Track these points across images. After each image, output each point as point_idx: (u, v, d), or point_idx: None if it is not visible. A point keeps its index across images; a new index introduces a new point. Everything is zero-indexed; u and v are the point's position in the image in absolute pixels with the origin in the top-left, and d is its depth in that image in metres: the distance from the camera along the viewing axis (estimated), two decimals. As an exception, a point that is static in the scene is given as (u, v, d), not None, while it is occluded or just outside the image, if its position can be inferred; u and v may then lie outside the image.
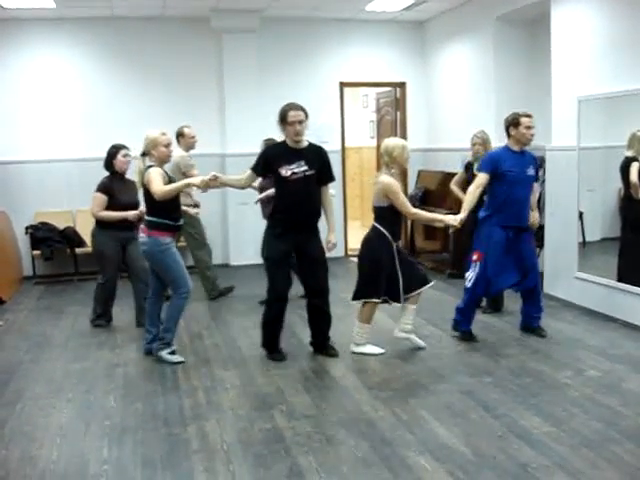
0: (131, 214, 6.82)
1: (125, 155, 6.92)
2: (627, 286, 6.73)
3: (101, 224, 6.98)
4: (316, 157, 5.85)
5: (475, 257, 6.21)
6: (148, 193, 5.73)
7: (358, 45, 10.88)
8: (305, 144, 5.81)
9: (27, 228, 9.48)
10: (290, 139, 5.77)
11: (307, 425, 4.58)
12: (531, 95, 8.97)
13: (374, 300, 5.98)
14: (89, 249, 9.44)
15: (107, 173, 7.07)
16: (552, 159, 7.84)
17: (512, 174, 6.09)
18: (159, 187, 5.62)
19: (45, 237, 9.35)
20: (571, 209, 7.46)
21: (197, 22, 9.97)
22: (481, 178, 6.16)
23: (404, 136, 11.17)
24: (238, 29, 9.90)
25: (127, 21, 9.85)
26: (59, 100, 9.83)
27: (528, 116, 6.23)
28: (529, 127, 6.18)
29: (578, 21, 7.27)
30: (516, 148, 6.23)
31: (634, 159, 6.63)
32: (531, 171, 6.26)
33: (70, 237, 9.46)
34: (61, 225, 9.54)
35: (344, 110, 11.10)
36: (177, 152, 7.48)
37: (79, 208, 9.79)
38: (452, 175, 7.98)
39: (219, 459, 4.13)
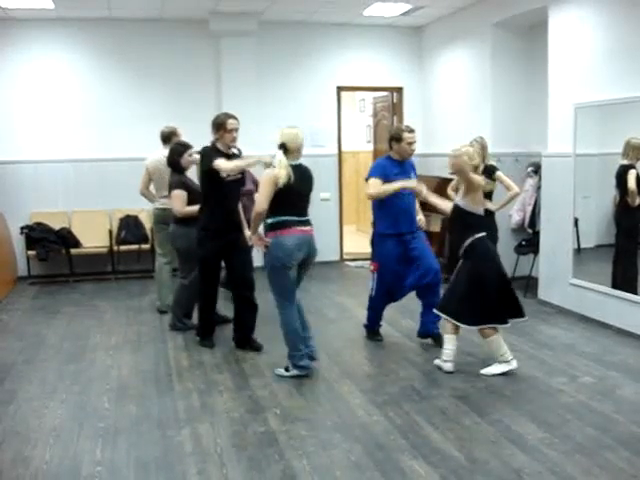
0: None
1: (191, 154, 6.85)
2: (622, 293, 6.74)
3: (183, 221, 6.75)
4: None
5: (372, 268, 6.45)
6: None
7: (356, 50, 10.89)
8: (235, 151, 6.21)
9: (22, 228, 9.46)
10: (225, 145, 6.09)
11: (301, 429, 4.58)
12: (527, 101, 9.00)
13: None
14: (84, 250, 9.53)
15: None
16: (548, 166, 7.85)
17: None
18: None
19: (40, 237, 9.34)
20: (566, 215, 7.48)
21: (195, 24, 9.97)
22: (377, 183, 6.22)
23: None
24: (236, 32, 9.90)
25: (125, 23, 9.84)
26: (56, 100, 9.82)
27: (411, 131, 6.30)
28: (410, 143, 6.26)
29: (575, 28, 7.29)
30: (398, 158, 6.36)
31: (630, 167, 6.65)
32: (413, 177, 6.38)
33: (65, 238, 9.46)
34: (56, 226, 9.53)
35: (341, 114, 11.10)
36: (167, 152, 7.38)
37: (75, 209, 9.81)
38: (449, 180, 7.99)
39: (213, 462, 4.12)
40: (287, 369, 5.66)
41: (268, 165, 5.51)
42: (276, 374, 5.68)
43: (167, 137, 7.66)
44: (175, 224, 6.90)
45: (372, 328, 6.72)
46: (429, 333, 6.43)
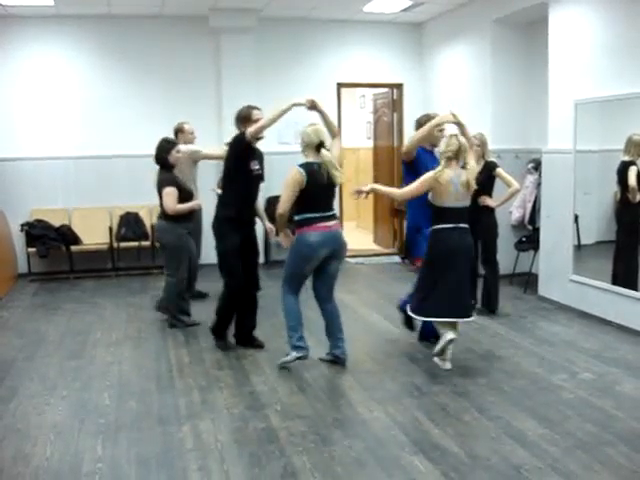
0: (198, 203, 7.15)
1: (178, 151, 6.92)
2: (622, 289, 6.75)
3: (172, 218, 6.83)
4: (262, 159, 6.21)
5: (417, 264, 6.11)
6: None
7: (356, 46, 10.88)
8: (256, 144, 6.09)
9: (23, 225, 9.45)
10: (254, 138, 5.93)
11: (301, 425, 4.59)
12: (528, 98, 9.00)
13: None
14: (85, 247, 9.51)
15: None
16: (548, 162, 7.85)
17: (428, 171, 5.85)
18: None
19: (41, 235, 9.33)
20: (567, 212, 7.48)
21: (195, 21, 9.95)
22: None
23: (400, 137, 11.20)
24: (236, 29, 9.89)
25: (125, 19, 9.83)
26: (56, 98, 9.81)
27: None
28: (441, 130, 6.07)
29: (575, 24, 7.28)
30: (428, 147, 6.16)
31: (631, 163, 6.65)
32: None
33: (65, 235, 9.46)
34: (57, 223, 9.53)
35: (341, 111, 11.09)
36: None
37: (75, 206, 9.81)
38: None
39: (213, 458, 4.13)
40: (287, 354, 5.75)
41: (310, 104, 5.98)
42: (280, 364, 5.73)
43: (175, 134, 7.86)
44: (161, 219, 6.98)
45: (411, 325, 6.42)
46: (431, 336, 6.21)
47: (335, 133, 6.00)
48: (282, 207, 5.49)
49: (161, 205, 6.87)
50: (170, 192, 6.76)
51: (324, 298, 5.78)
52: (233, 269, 6.11)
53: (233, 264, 6.10)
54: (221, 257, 6.15)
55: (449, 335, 5.50)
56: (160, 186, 6.84)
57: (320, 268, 5.65)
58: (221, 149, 7.25)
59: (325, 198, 5.63)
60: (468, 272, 5.66)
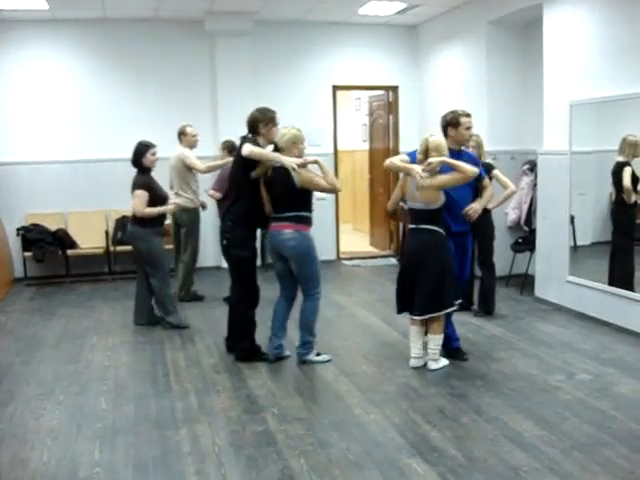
0: (170, 208, 7.10)
1: (154, 153, 6.95)
2: (618, 290, 6.75)
3: (143, 222, 6.87)
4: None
5: None
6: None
7: (351, 48, 10.89)
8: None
9: (19, 230, 9.44)
10: (267, 141, 5.91)
11: (299, 428, 4.58)
12: (523, 99, 9.02)
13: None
14: (81, 251, 9.50)
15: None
16: (544, 163, 7.86)
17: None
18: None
19: (37, 239, 9.32)
20: (562, 213, 7.49)
21: (191, 24, 9.95)
22: None
23: (396, 140, 11.21)
24: (232, 32, 9.89)
25: (120, 23, 9.83)
26: (51, 101, 9.81)
27: (468, 115, 6.00)
28: (468, 128, 5.97)
29: (570, 26, 7.29)
30: (455, 148, 5.87)
31: (626, 164, 6.67)
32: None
33: (62, 239, 9.45)
34: (53, 227, 9.52)
35: (337, 113, 11.10)
36: (179, 149, 8.03)
37: (71, 210, 9.80)
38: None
39: (211, 462, 4.12)
40: (319, 354, 6.02)
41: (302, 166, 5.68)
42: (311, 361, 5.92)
43: (178, 136, 8.08)
44: (133, 225, 7.01)
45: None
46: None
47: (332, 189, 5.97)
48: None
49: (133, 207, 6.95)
50: (139, 195, 6.82)
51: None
52: (254, 277, 6.03)
53: (254, 272, 6.04)
54: (245, 264, 5.97)
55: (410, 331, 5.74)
56: (132, 189, 6.90)
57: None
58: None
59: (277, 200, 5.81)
60: (425, 272, 5.54)
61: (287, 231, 5.67)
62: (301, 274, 5.80)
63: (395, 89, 11.25)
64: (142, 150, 6.93)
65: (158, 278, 7.02)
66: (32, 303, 8.51)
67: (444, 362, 5.74)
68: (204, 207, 8.33)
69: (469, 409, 4.84)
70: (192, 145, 8.13)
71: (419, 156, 5.54)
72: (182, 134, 8.10)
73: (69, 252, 9.48)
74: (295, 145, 5.77)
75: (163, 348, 6.50)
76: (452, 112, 5.99)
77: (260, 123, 5.87)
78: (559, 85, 7.51)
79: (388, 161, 5.80)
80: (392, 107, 11.37)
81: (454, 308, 5.66)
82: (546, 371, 5.60)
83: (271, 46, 10.45)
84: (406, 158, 5.74)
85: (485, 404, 4.93)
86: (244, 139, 5.86)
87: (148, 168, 6.95)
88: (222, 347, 6.36)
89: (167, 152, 7.88)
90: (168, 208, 7.06)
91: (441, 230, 5.55)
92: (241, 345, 6.04)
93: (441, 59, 10.39)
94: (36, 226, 9.47)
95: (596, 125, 7.34)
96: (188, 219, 8.05)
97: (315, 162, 5.77)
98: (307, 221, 5.74)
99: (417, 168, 5.45)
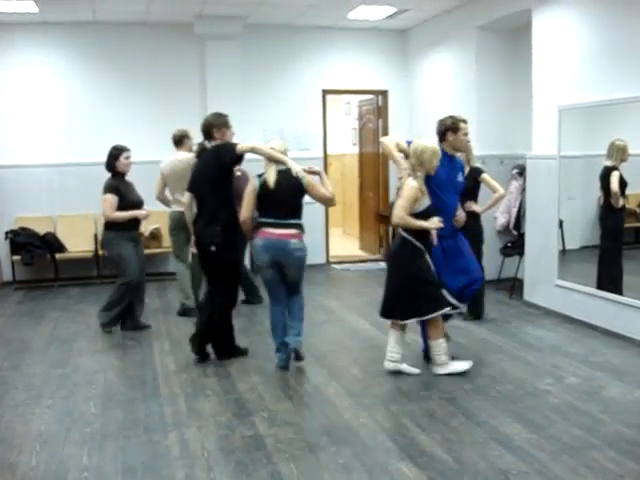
0: (142, 213, 6.95)
1: (127, 157, 6.90)
2: (607, 294, 6.78)
3: (113, 226, 6.85)
4: None
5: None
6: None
7: (341, 53, 10.91)
8: None
9: (7, 233, 9.41)
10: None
11: (288, 432, 4.58)
12: (512, 104, 9.04)
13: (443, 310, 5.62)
14: (69, 254, 9.47)
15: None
16: (533, 167, 7.89)
17: (444, 179, 5.71)
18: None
19: (25, 242, 9.29)
20: (551, 217, 7.51)
21: (181, 28, 9.94)
22: None
23: (386, 144, 11.21)
24: (221, 35, 9.89)
25: (110, 26, 9.81)
26: (40, 104, 9.78)
27: (465, 122, 5.96)
28: (466, 134, 5.96)
29: (559, 31, 7.33)
30: (450, 153, 5.87)
31: (614, 168, 6.70)
32: (460, 177, 5.93)
33: (50, 242, 9.41)
34: (41, 230, 9.49)
35: (326, 117, 11.11)
36: (182, 154, 7.61)
37: (59, 213, 9.76)
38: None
39: (200, 466, 4.11)
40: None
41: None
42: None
43: (179, 140, 7.74)
44: (106, 230, 6.96)
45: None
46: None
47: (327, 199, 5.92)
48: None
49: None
50: (107, 199, 6.78)
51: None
52: (238, 281, 6.05)
53: (238, 276, 6.07)
54: (234, 268, 6.00)
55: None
56: (103, 193, 6.86)
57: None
58: None
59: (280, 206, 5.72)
60: (393, 276, 5.64)
61: (294, 241, 5.64)
62: (299, 278, 5.84)
63: (385, 93, 11.28)
64: (115, 154, 6.87)
65: (120, 285, 6.94)
66: (20, 307, 8.47)
67: (453, 367, 5.64)
68: None
69: (458, 413, 4.85)
70: (191, 149, 8.02)
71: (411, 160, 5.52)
72: (186, 137, 7.77)
73: (58, 256, 9.44)
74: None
75: (152, 352, 6.48)
76: (451, 117, 5.95)
77: (214, 128, 5.90)
78: (548, 90, 7.54)
79: (385, 139, 5.77)
80: (382, 111, 11.38)
81: (425, 317, 5.53)
82: (535, 375, 5.61)
83: (261, 50, 10.46)
84: (404, 145, 5.68)
85: (474, 407, 4.94)
86: (202, 146, 5.96)
87: (121, 172, 6.90)
88: (211, 351, 6.32)
89: (157, 156, 7.87)
90: (141, 213, 6.94)
91: (411, 238, 5.47)
92: (224, 344, 6.09)
93: (431, 63, 10.42)
94: (24, 230, 9.44)
95: (585, 130, 7.37)
96: None
97: (318, 173, 5.83)
98: (303, 229, 5.77)
99: (404, 163, 5.50)
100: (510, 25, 8.80)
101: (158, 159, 7.81)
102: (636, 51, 6.26)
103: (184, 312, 7.69)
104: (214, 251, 5.83)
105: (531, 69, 7.81)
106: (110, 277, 9.54)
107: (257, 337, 6.76)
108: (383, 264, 10.91)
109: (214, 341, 6.11)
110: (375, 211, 11.49)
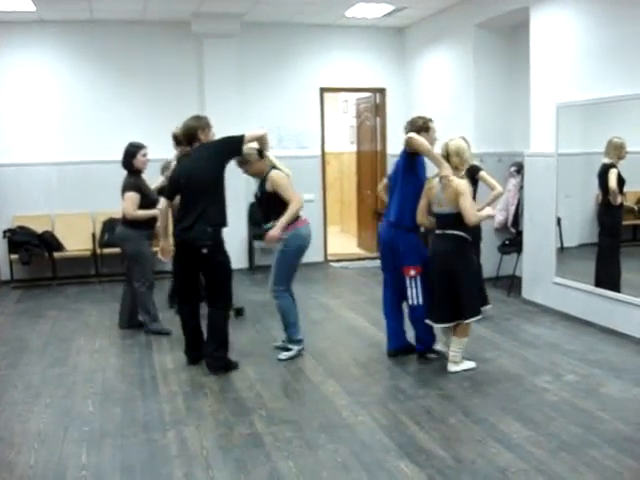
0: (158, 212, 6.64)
1: (145, 155, 6.83)
2: (605, 291, 6.78)
3: (133, 224, 6.76)
4: None
5: (414, 272, 5.75)
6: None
7: (338, 51, 10.90)
8: None
9: (5, 232, 9.40)
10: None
11: (287, 430, 4.58)
12: (510, 101, 9.04)
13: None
14: (67, 253, 9.46)
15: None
16: (531, 165, 7.89)
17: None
18: None
19: (23, 241, 9.27)
20: (549, 215, 7.51)
21: (178, 26, 9.93)
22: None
23: (384, 142, 11.23)
24: (219, 34, 9.88)
25: (107, 25, 9.79)
26: (38, 103, 9.76)
27: (432, 121, 5.99)
28: (435, 132, 5.99)
29: (557, 28, 7.33)
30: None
31: (612, 166, 6.70)
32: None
33: (48, 241, 9.40)
34: (39, 229, 9.47)
35: (324, 115, 11.10)
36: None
37: (57, 212, 9.75)
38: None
39: (199, 465, 4.11)
40: (288, 350, 6.13)
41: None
42: (284, 358, 6.01)
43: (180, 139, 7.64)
44: (123, 226, 6.89)
45: (430, 345, 6.06)
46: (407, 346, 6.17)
47: None
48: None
49: (123, 209, 6.84)
50: (130, 197, 6.71)
51: None
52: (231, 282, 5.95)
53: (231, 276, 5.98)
54: (229, 269, 5.83)
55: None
56: (123, 191, 6.79)
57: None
58: None
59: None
60: (460, 277, 5.55)
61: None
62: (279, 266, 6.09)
63: (382, 91, 11.27)
64: (133, 151, 6.79)
65: (142, 282, 6.89)
66: (18, 306, 8.47)
67: (465, 366, 5.69)
68: None
69: (457, 410, 4.85)
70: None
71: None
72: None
73: (56, 254, 9.43)
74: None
75: (151, 351, 6.48)
76: (421, 118, 5.97)
77: (198, 130, 5.80)
78: (546, 87, 7.54)
79: (416, 135, 5.60)
80: (379, 109, 11.38)
81: (478, 317, 5.64)
82: (533, 372, 5.61)
83: (258, 48, 10.45)
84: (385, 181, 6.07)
85: (473, 405, 4.94)
86: (183, 152, 6.06)
87: (139, 170, 6.83)
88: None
89: (155, 154, 7.81)
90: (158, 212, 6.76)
91: (466, 235, 5.55)
92: (220, 354, 5.82)
93: (428, 61, 10.42)
94: (22, 228, 9.43)
95: (583, 127, 7.37)
96: None
97: None
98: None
99: (448, 168, 5.50)
100: (508, 23, 8.79)
101: (156, 157, 7.73)
102: (634, 48, 6.26)
103: None
104: (205, 253, 5.58)
105: (529, 67, 7.80)
106: (108, 275, 9.62)
107: (257, 335, 6.76)
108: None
109: (210, 352, 5.83)
110: (373, 209, 11.48)
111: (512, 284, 8.35)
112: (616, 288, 6.69)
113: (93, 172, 9.84)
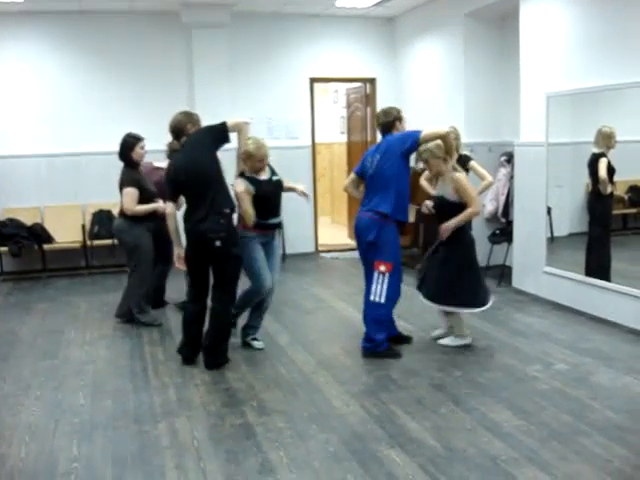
0: (162, 206, 6.42)
1: (142, 147, 6.72)
2: (595, 280, 6.81)
3: (132, 218, 6.66)
4: None
5: (384, 268, 5.71)
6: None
7: (328, 41, 10.88)
8: None
9: (-6, 224, 9.37)
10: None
11: (278, 421, 4.58)
12: (500, 91, 9.05)
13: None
14: (57, 245, 9.42)
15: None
16: (521, 155, 7.90)
17: None
18: None
19: (13, 233, 9.23)
20: (539, 204, 7.53)
21: (166, 17, 9.89)
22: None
23: (374, 132, 11.21)
24: (208, 24, 9.83)
25: (95, 15, 9.73)
26: (26, 95, 9.70)
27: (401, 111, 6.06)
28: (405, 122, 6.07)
29: (547, 18, 7.32)
30: None
31: (602, 155, 6.72)
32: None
33: (38, 233, 9.36)
34: (29, 221, 9.43)
35: (314, 106, 11.08)
36: None
37: (47, 204, 9.71)
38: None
39: (190, 456, 4.11)
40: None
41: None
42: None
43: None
44: (121, 218, 6.81)
45: (387, 346, 5.90)
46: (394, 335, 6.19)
47: None
48: None
49: (122, 203, 6.73)
50: (129, 192, 6.59)
51: None
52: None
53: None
54: (241, 262, 5.74)
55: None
56: (121, 185, 6.67)
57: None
58: None
59: None
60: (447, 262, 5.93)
61: None
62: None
63: (373, 81, 11.25)
64: (131, 143, 6.66)
65: (137, 275, 6.86)
66: (8, 298, 8.44)
67: (458, 342, 6.02)
68: None
69: (448, 400, 4.86)
70: None
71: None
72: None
73: (46, 247, 9.39)
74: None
75: (141, 342, 6.47)
76: (394, 108, 6.02)
77: (188, 124, 5.76)
78: (536, 77, 7.54)
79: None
80: (370, 99, 11.36)
81: (471, 310, 5.95)
82: (524, 361, 5.63)
83: (248, 38, 10.41)
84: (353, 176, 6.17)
85: (463, 394, 4.95)
86: (172, 147, 5.95)
87: (136, 162, 6.72)
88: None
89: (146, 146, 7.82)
90: (160, 206, 6.55)
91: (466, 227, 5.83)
92: (221, 350, 5.75)
93: (418, 51, 10.40)
94: (12, 221, 9.37)
95: (572, 117, 7.38)
96: None
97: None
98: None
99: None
100: (498, 13, 8.79)
101: (146, 149, 7.75)
102: (623, 38, 6.26)
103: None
104: (219, 247, 5.44)
105: (519, 56, 7.80)
106: (99, 267, 9.60)
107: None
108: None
109: (210, 348, 5.74)
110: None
111: (502, 274, 8.36)
112: (606, 277, 6.72)
113: (82, 164, 9.80)
